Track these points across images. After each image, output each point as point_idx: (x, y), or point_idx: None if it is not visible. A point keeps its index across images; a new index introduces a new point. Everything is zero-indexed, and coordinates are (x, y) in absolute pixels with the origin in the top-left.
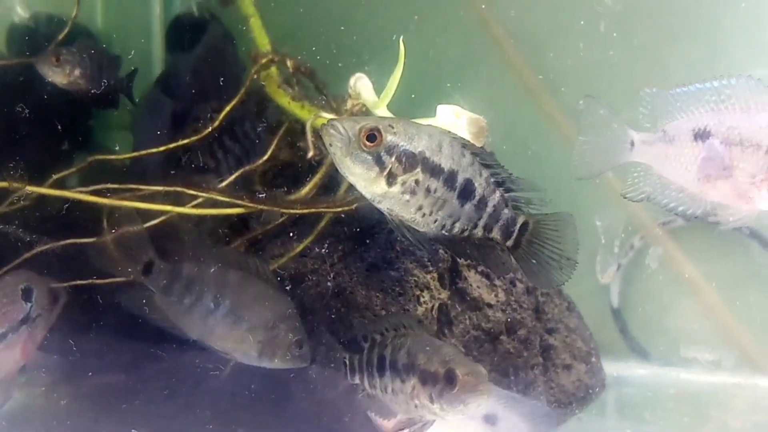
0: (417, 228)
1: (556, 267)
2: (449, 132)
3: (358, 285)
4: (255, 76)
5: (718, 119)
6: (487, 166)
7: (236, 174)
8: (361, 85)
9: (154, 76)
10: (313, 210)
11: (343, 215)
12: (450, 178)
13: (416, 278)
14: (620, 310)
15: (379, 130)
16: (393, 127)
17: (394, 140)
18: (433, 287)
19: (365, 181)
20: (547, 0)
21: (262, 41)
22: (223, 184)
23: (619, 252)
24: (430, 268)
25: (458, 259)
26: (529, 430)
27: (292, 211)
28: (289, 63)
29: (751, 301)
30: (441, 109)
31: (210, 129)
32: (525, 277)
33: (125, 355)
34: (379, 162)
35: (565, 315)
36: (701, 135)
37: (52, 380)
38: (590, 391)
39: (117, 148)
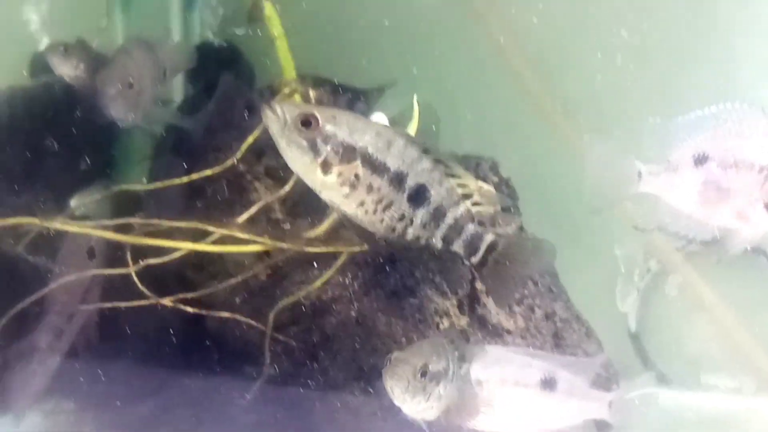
0: (363, 225)
1: (516, 285)
2: (410, 135)
3: (379, 312)
4: None
5: (715, 144)
6: (454, 177)
7: (257, 206)
8: None
9: (173, 104)
10: (331, 249)
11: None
12: (397, 179)
13: (436, 305)
14: (638, 334)
15: (315, 117)
16: (335, 118)
17: (332, 130)
18: (452, 314)
19: (301, 166)
20: (565, 33)
21: (288, 65)
22: (244, 217)
23: (637, 277)
24: (450, 295)
25: (475, 285)
26: (592, 388)
27: (311, 249)
28: (311, 94)
29: None
30: None
31: (232, 160)
32: (542, 302)
33: (151, 383)
34: (314, 149)
35: (584, 341)
36: (700, 160)
37: (78, 407)
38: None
39: (144, 180)
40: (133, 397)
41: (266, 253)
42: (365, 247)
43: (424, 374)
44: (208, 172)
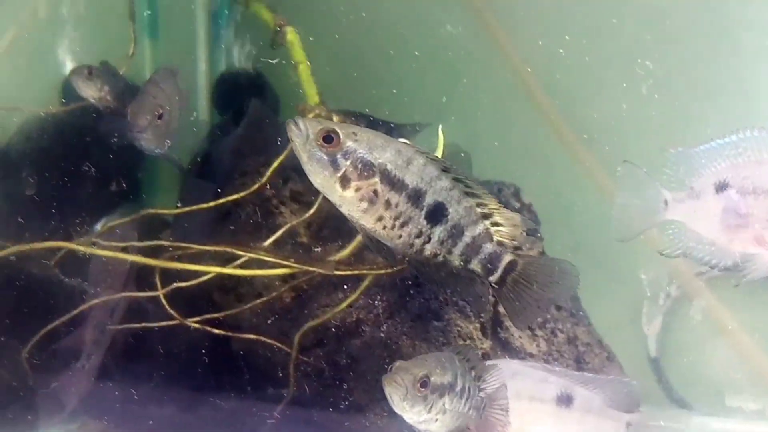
0: (382, 240)
1: (536, 309)
2: (429, 154)
3: (403, 335)
4: None
5: (735, 171)
6: (473, 196)
7: (283, 230)
8: None
9: (199, 130)
10: (357, 272)
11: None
12: (415, 196)
13: (459, 328)
14: (658, 359)
15: (337, 133)
16: (356, 135)
17: (353, 146)
18: (475, 337)
19: (321, 181)
20: (591, 64)
21: (311, 92)
22: (270, 240)
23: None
24: (473, 319)
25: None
26: (610, 407)
27: (336, 273)
28: (335, 119)
29: None
30: None
31: (259, 184)
32: (564, 327)
33: (178, 403)
34: (334, 164)
35: (606, 365)
36: (721, 187)
37: (104, 427)
38: None
39: (179, 205)
40: (158, 417)
41: (291, 276)
42: (390, 269)
43: (424, 385)
44: (235, 196)
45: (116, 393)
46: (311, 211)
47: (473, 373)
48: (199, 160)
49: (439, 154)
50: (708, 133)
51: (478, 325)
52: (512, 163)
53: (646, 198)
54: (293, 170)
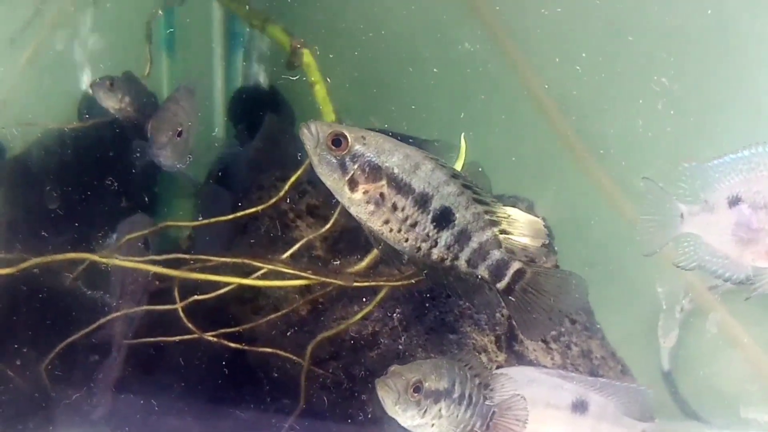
0: (390, 243)
1: (546, 319)
2: (439, 160)
3: (418, 347)
4: None
5: (747, 186)
6: (482, 204)
7: (300, 243)
8: None
9: (215, 146)
10: (371, 284)
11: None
12: (422, 201)
13: (474, 341)
14: (670, 372)
15: (345, 137)
16: (365, 139)
17: (361, 150)
18: (490, 350)
19: (330, 182)
20: (607, 81)
21: (327, 109)
22: (288, 253)
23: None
24: (488, 332)
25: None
26: (624, 413)
27: (353, 284)
28: None
29: None
30: None
31: (276, 198)
32: (578, 340)
33: (198, 414)
34: (342, 167)
35: (620, 378)
36: (733, 202)
37: None
38: None
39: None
40: (176, 429)
41: (308, 290)
42: (407, 281)
43: (417, 390)
44: (252, 210)
45: (135, 405)
46: (328, 226)
47: (477, 381)
48: (215, 175)
49: (460, 162)
50: (722, 148)
51: (492, 338)
52: (527, 178)
53: (665, 212)
54: (309, 184)
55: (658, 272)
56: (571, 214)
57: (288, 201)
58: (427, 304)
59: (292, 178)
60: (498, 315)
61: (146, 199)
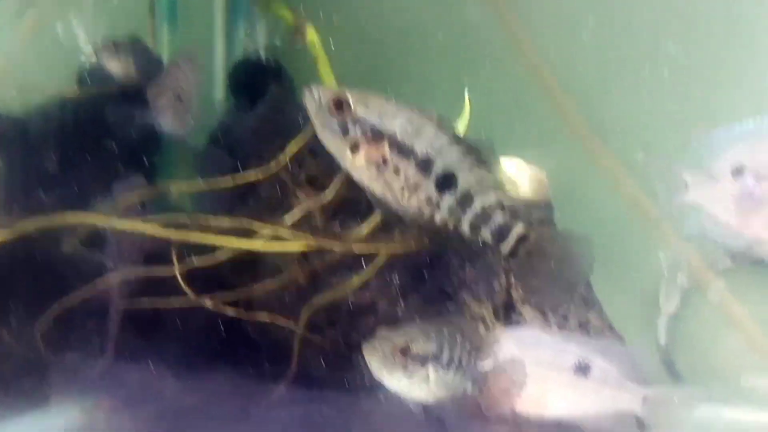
0: (393, 208)
1: (554, 286)
2: (443, 122)
3: (416, 316)
4: None
5: (752, 155)
6: (485, 166)
7: (300, 209)
8: None
9: (215, 116)
10: (371, 250)
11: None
12: (424, 164)
13: (471, 311)
14: (667, 347)
15: (348, 101)
16: (366, 102)
17: (363, 113)
18: (488, 320)
19: (332, 146)
20: (612, 54)
21: (329, 82)
22: (288, 218)
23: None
24: (486, 302)
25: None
26: (627, 378)
27: (351, 249)
28: None
29: None
30: (502, 161)
31: (276, 167)
32: (576, 311)
33: (192, 380)
34: (344, 130)
35: None
36: (738, 171)
37: (115, 404)
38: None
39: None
40: (169, 394)
41: (305, 258)
42: (407, 248)
43: (404, 353)
44: (252, 175)
45: (129, 370)
46: (328, 194)
47: (468, 345)
48: (215, 141)
49: (465, 119)
50: (730, 118)
51: (490, 308)
52: (528, 150)
53: (668, 180)
54: (310, 154)
55: (658, 246)
56: (571, 187)
57: (288, 171)
58: (425, 273)
59: (293, 147)
60: (496, 285)
61: (146, 164)
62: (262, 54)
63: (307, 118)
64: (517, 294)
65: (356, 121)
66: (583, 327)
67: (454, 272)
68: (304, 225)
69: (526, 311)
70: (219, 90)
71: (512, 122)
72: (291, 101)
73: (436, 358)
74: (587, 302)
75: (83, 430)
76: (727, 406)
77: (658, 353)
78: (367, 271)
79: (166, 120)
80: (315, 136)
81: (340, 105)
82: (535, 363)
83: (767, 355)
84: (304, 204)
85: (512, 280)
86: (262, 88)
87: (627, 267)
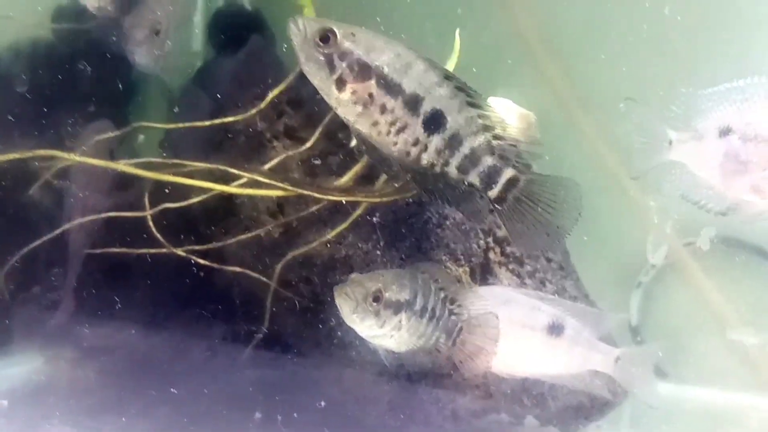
0: (378, 147)
1: (542, 233)
2: (432, 61)
3: None
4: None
5: (740, 116)
6: (475, 107)
7: (278, 158)
8: None
9: (193, 66)
10: (350, 198)
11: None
12: (412, 102)
13: (449, 270)
14: (638, 327)
15: (334, 33)
16: (354, 36)
17: (350, 47)
18: (464, 281)
19: (317, 80)
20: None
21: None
22: (266, 167)
23: (642, 270)
24: (463, 262)
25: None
26: (597, 339)
27: (329, 197)
28: None
29: None
30: (491, 101)
31: (255, 110)
32: (553, 278)
33: (157, 334)
34: (330, 65)
35: None
36: (724, 132)
37: (80, 354)
38: (613, 397)
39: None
40: (134, 345)
41: (281, 211)
42: (386, 198)
43: (377, 299)
44: (229, 119)
45: (93, 320)
46: (307, 145)
47: (443, 295)
48: (193, 82)
49: (454, 59)
50: (717, 77)
51: (467, 269)
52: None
53: (651, 136)
54: (289, 105)
55: (637, 224)
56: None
57: (267, 120)
58: (403, 230)
59: (272, 94)
60: (475, 246)
61: (121, 102)
62: (245, 2)
63: (286, 70)
64: (495, 256)
65: (343, 54)
66: (560, 294)
67: (433, 231)
68: (281, 175)
69: (503, 274)
70: (199, 38)
71: (501, 62)
72: (271, 51)
73: (410, 305)
74: (564, 270)
75: (47, 380)
76: (695, 387)
77: (629, 333)
78: (344, 225)
79: (141, 55)
80: (295, 88)
81: (326, 38)
82: (508, 321)
83: (737, 334)
84: (283, 154)
85: (499, 222)
86: (242, 37)
87: (606, 245)
